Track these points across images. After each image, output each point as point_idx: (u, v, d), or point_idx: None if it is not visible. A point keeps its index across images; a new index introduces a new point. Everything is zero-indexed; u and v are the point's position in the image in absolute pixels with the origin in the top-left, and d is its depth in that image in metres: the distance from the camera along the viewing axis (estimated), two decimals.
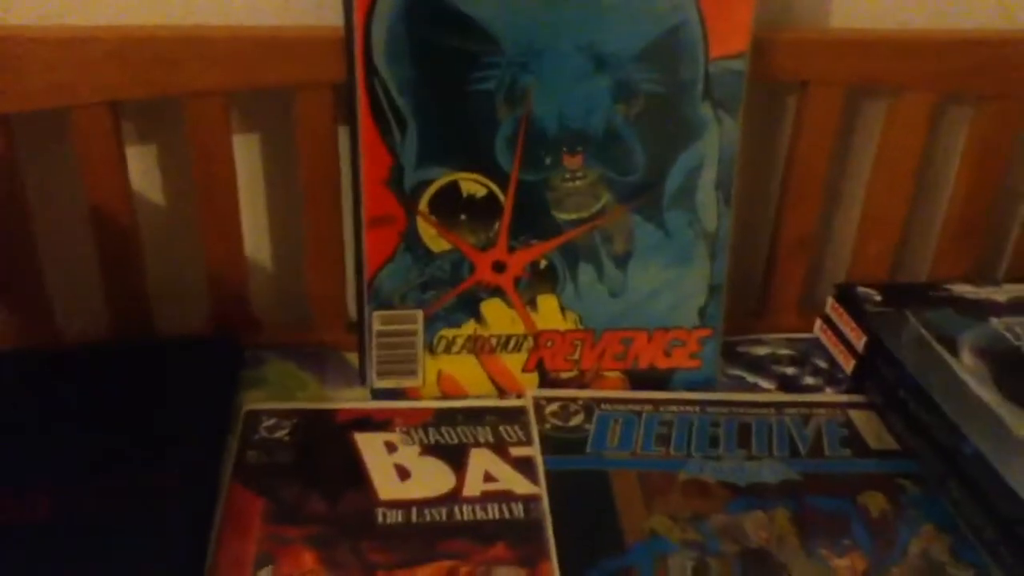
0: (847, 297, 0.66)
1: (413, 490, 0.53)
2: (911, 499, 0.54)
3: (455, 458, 0.56)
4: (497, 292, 0.60)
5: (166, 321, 0.65)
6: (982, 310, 0.63)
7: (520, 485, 0.54)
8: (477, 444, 0.57)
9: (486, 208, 0.58)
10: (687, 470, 0.55)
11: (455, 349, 0.61)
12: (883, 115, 0.68)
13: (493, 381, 0.62)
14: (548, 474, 0.54)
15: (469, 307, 0.60)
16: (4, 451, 0.52)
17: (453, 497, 0.53)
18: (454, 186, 0.58)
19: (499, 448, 0.57)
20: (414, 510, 0.52)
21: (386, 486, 0.53)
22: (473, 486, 0.54)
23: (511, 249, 0.60)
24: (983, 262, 0.76)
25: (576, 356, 0.62)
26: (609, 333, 0.62)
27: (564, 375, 0.63)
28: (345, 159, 0.60)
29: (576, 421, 0.59)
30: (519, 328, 0.61)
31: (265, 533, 0.50)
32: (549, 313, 0.61)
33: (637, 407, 0.60)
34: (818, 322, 0.69)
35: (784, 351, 0.68)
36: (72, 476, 0.51)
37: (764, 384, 0.64)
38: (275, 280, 0.71)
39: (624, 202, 0.60)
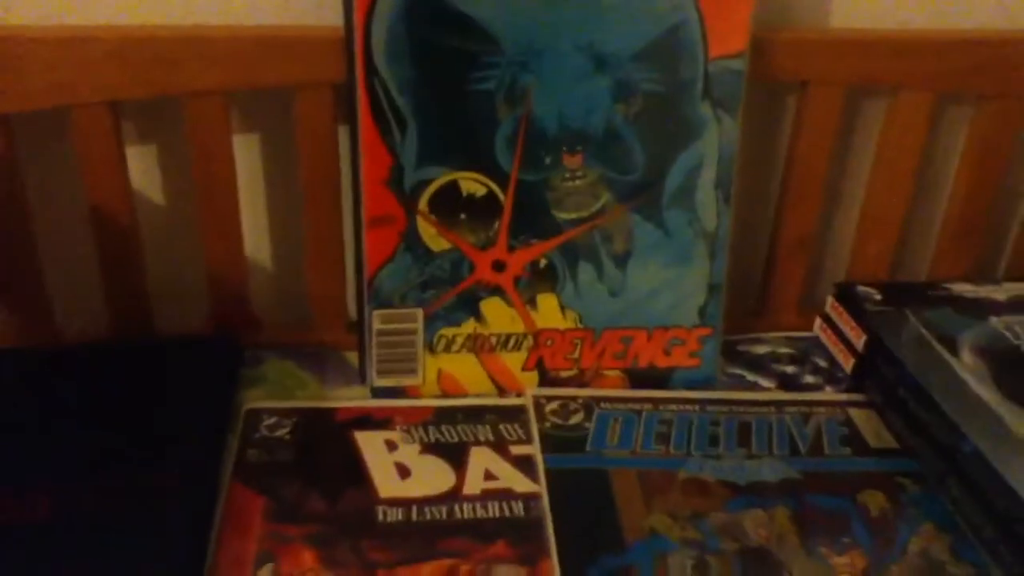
0: (847, 296, 0.66)
1: (413, 488, 0.53)
2: (911, 498, 0.54)
3: (455, 456, 0.56)
4: (497, 291, 0.60)
5: (166, 320, 0.65)
6: (982, 309, 0.63)
7: (520, 483, 0.54)
8: (477, 442, 0.57)
9: (486, 207, 0.58)
10: (687, 469, 0.55)
11: (455, 348, 0.61)
12: (883, 115, 0.68)
13: (493, 380, 0.62)
14: (548, 472, 0.54)
15: (469, 306, 0.60)
16: (4, 451, 0.52)
17: (453, 495, 0.53)
18: (454, 186, 0.58)
19: (499, 446, 0.57)
20: (414, 508, 0.52)
21: (386, 484, 0.53)
22: (473, 484, 0.54)
23: (511, 248, 0.60)
24: (983, 261, 0.76)
25: (576, 355, 0.62)
26: (609, 332, 0.62)
27: (564, 374, 0.63)
28: (345, 159, 0.60)
29: (576, 420, 0.59)
30: (519, 327, 0.61)
31: (265, 532, 0.50)
32: (549, 312, 0.61)
33: (637, 406, 0.60)
34: (818, 321, 0.69)
35: (784, 350, 0.68)
36: (72, 475, 0.51)
37: (764, 383, 0.64)
38: (275, 280, 0.71)
39: (624, 201, 0.60)
